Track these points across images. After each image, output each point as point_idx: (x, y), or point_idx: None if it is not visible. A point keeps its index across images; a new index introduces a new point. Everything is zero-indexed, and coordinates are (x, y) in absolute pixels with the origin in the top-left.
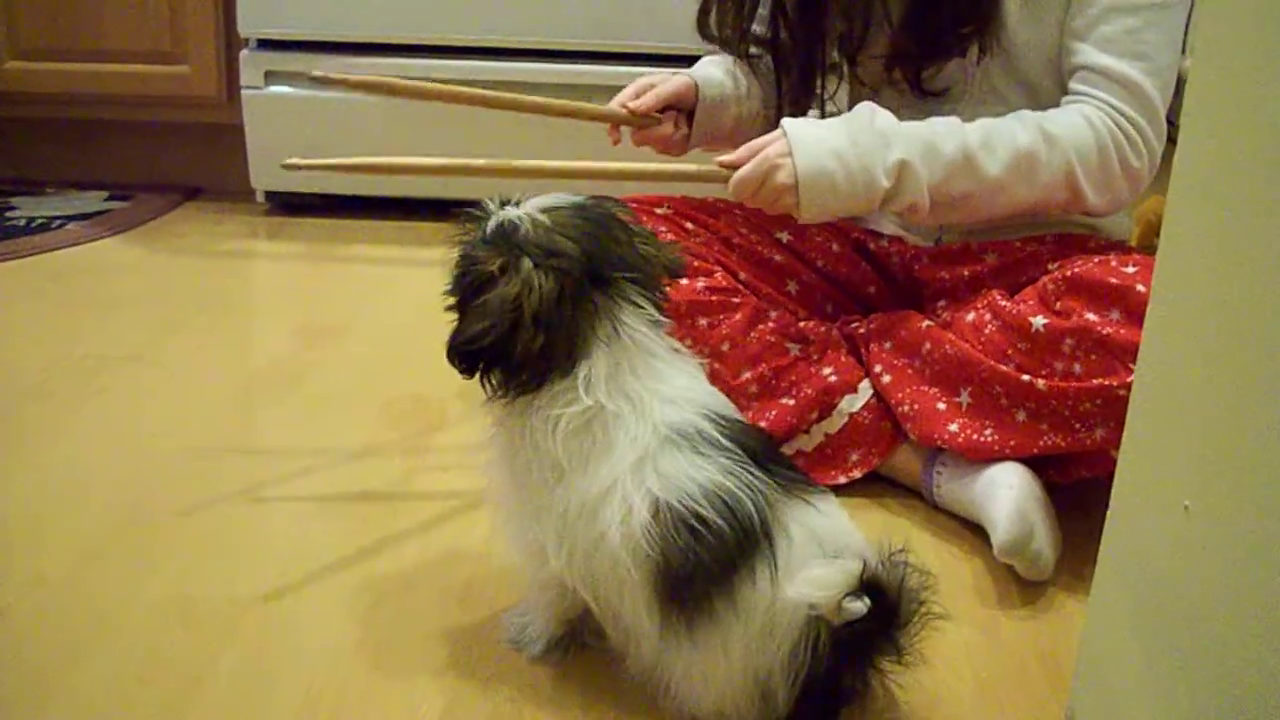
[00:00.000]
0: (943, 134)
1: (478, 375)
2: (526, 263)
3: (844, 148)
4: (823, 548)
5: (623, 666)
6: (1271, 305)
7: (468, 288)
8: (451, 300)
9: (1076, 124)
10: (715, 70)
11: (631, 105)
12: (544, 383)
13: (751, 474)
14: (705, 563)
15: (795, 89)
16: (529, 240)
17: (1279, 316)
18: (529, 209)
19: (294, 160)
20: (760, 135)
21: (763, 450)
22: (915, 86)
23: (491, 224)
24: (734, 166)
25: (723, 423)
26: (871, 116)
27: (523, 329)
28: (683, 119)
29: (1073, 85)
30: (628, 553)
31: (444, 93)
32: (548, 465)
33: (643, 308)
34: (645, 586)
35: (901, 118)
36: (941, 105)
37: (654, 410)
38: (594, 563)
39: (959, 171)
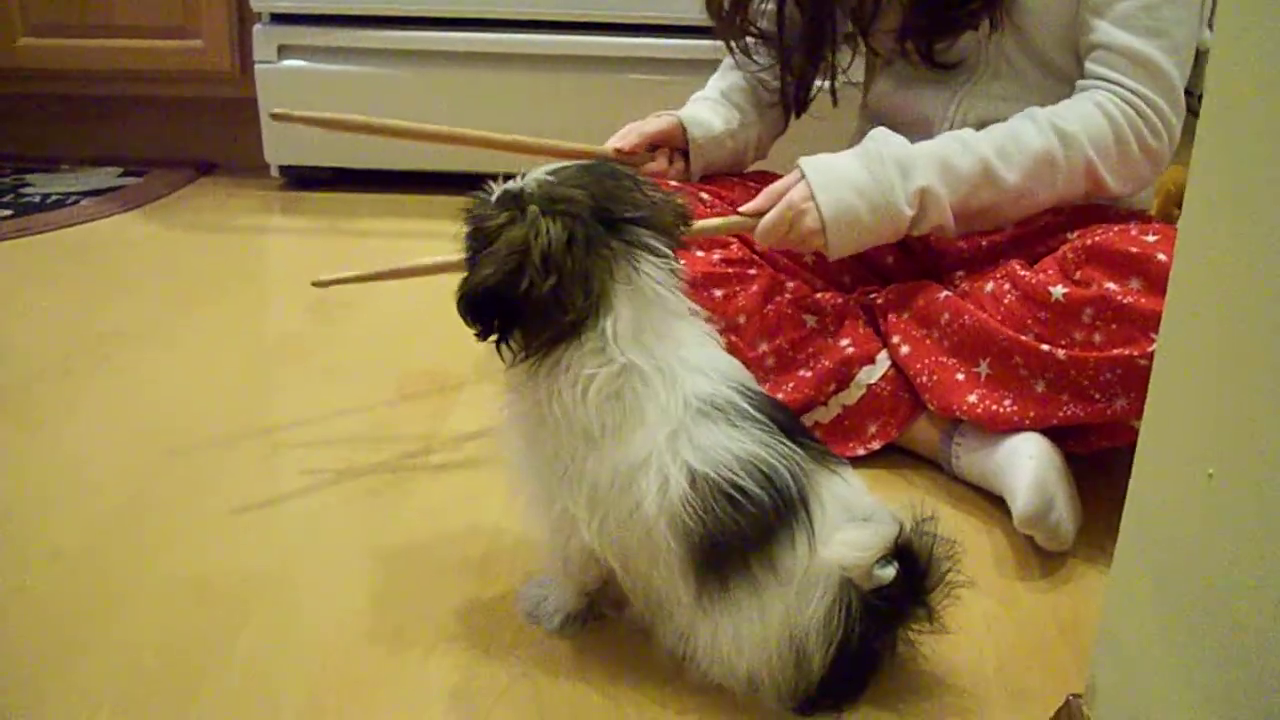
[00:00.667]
0: (957, 151)
1: (495, 340)
2: (533, 209)
3: (864, 183)
4: (852, 516)
5: (645, 636)
6: None
7: (476, 243)
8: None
9: (1090, 115)
10: (703, 110)
11: (618, 146)
12: (567, 337)
13: (785, 444)
14: (745, 531)
15: (801, 65)
16: (534, 194)
17: None
18: (533, 174)
19: (281, 110)
20: (763, 140)
21: (788, 422)
22: (928, 59)
23: (498, 191)
24: (758, 213)
25: (750, 394)
26: (886, 145)
27: (532, 271)
28: (676, 155)
29: (1089, 65)
30: (666, 523)
31: (414, 131)
32: (578, 432)
33: (660, 254)
34: (683, 556)
35: (916, 89)
36: (955, 77)
37: (683, 379)
38: (627, 533)
39: (979, 186)
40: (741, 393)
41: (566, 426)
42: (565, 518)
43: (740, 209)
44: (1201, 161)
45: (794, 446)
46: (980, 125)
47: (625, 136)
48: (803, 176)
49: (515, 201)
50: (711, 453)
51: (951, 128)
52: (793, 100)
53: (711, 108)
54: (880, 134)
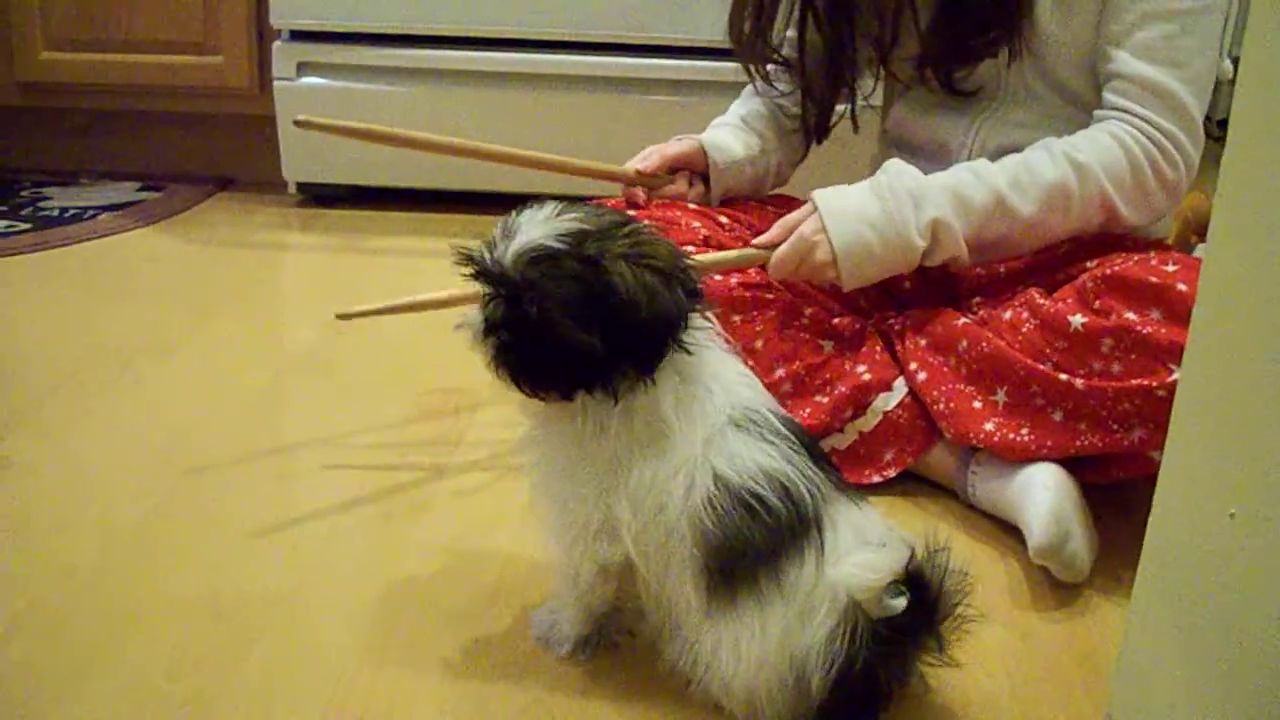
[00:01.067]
0: (970, 182)
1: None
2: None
3: (875, 215)
4: (864, 543)
5: (655, 662)
6: None
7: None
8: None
9: (1106, 146)
10: (724, 135)
11: (639, 167)
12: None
13: (810, 465)
14: (757, 542)
15: (822, 91)
16: (593, 246)
17: None
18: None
19: (305, 117)
20: (784, 167)
21: (812, 445)
22: (947, 86)
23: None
24: (771, 245)
25: (779, 414)
26: (898, 177)
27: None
28: (696, 178)
29: (1107, 95)
30: (687, 524)
31: (435, 144)
32: (637, 435)
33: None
34: (696, 559)
35: (936, 116)
36: (974, 104)
37: (730, 390)
38: (650, 533)
39: (993, 217)
40: (773, 410)
41: (628, 433)
42: (602, 525)
43: (753, 241)
44: (1227, 195)
45: (817, 470)
46: (999, 152)
47: (647, 158)
48: (815, 209)
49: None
50: (739, 461)
51: (970, 154)
52: (814, 127)
53: (733, 133)
54: (893, 165)
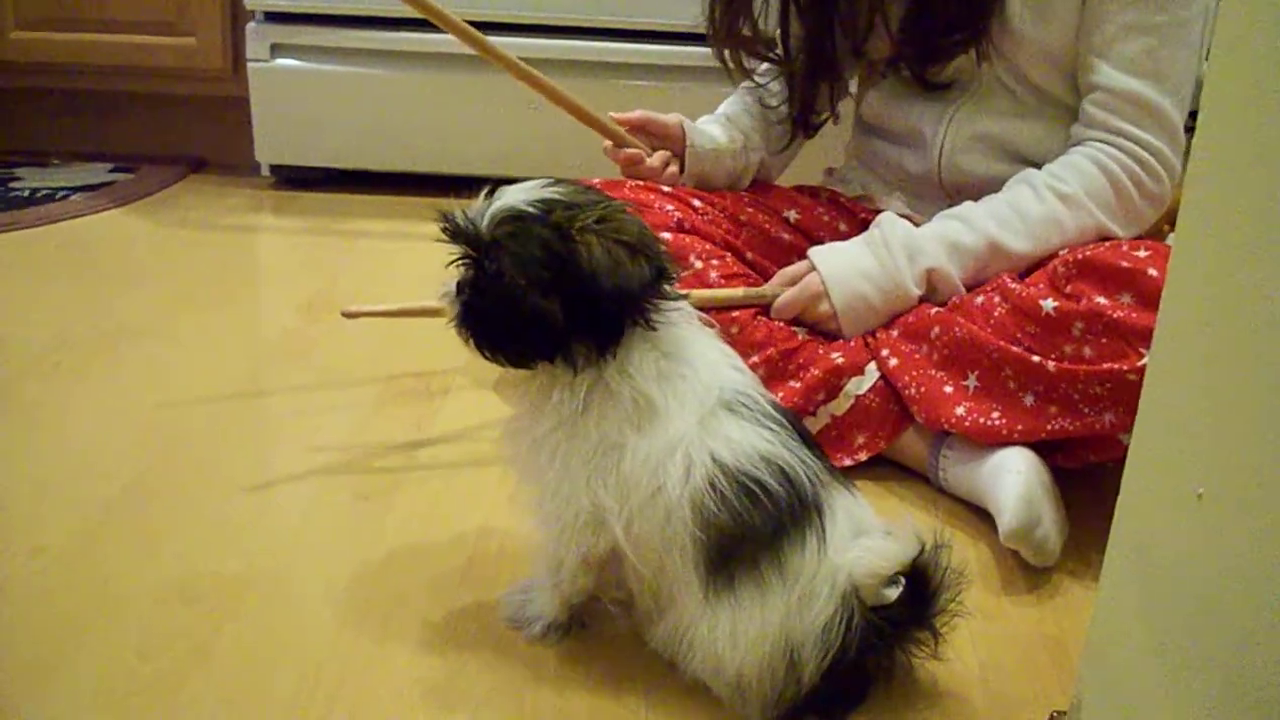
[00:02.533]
0: (960, 230)
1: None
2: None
3: (872, 269)
4: (860, 531)
5: (629, 646)
6: None
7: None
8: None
9: (1089, 173)
10: (712, 125)
11: (619, 117)
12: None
13: (806, 450)
14: (759, 527)
15: (804, 81)
16: (560, 215)
17: None
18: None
19: (352, 309)
20: (766, 166)
21: (803, 431)
22: (921, 80)
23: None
24: (774, 293)
25: (769, 398)
26: (891, 231)
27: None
28: (674, 159)
29: (1088, 107)
30: (688, 509)
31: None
32: (629, 414)
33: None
34: (697, 543)
35: (910, 104)
36: (948, 94)
37: (716, 370)
38: (645, 517)
39: (988, 260)
40: (763, 394)
41: (620, 409)
42: (591, 514)
43: (756, 289)
44: (1195, 180)
45: (812, 455)
46: (973, 139)
47: (632, 113)
48: (813, 268)
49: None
50: (738, 445)
51: (945, 141)
52: (798, 120)
53: (720, 125)
54: (886, 219)
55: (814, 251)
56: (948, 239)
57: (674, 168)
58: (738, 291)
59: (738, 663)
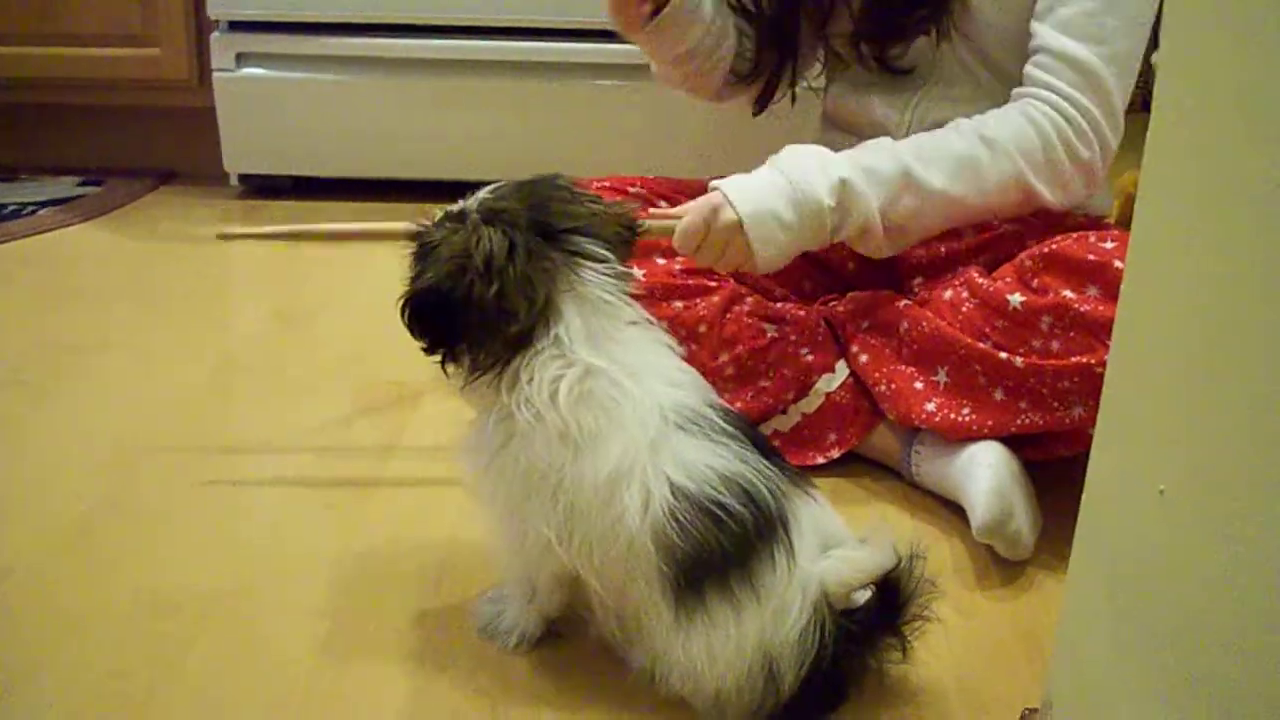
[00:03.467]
0: (874, 153)
1: (440, 357)
2: (474, 218)
3: (780, 183)
4: (825, 538)
5: (602, 656)
6: (1246, 286)
7: (420, 256)
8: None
9: (1017, 124)
10: None
11: None
12: (518, 348)
13: (763, 463)
14: (726, 548)
15: (769, 56)
16: (474, 209)
17: (1253, 298)
18: (476, 195)
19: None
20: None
21: (758, 439)
22: (883, 63)
23: (440, 213)
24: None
25: (719, 408)
26: (796, 151)
27: (474, 276)
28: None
29: (1028, 69)
30: (649, 538)
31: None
32: (554, 441)
33: (603, 263)
34: (663, 570)
35: (873, 95)
36: (910, 82)
37: (654, 386)
38: (607, 546)
39: (900, 189)
40: (712, 406)
41: (542, 437)
42: (534, 543)
43: (653, 210)
44: (1151, 169)
45: (771, 466)
46: (938, 125)
47: None
48: (716, 188)
49: (459, 218)
50: (694, 468)
51: (908, 132)
52: (758, 94)
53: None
54: (790, 146)
55: (716, 181)
56: (861, 162)
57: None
58: (649, 223)
59: (716, 679)
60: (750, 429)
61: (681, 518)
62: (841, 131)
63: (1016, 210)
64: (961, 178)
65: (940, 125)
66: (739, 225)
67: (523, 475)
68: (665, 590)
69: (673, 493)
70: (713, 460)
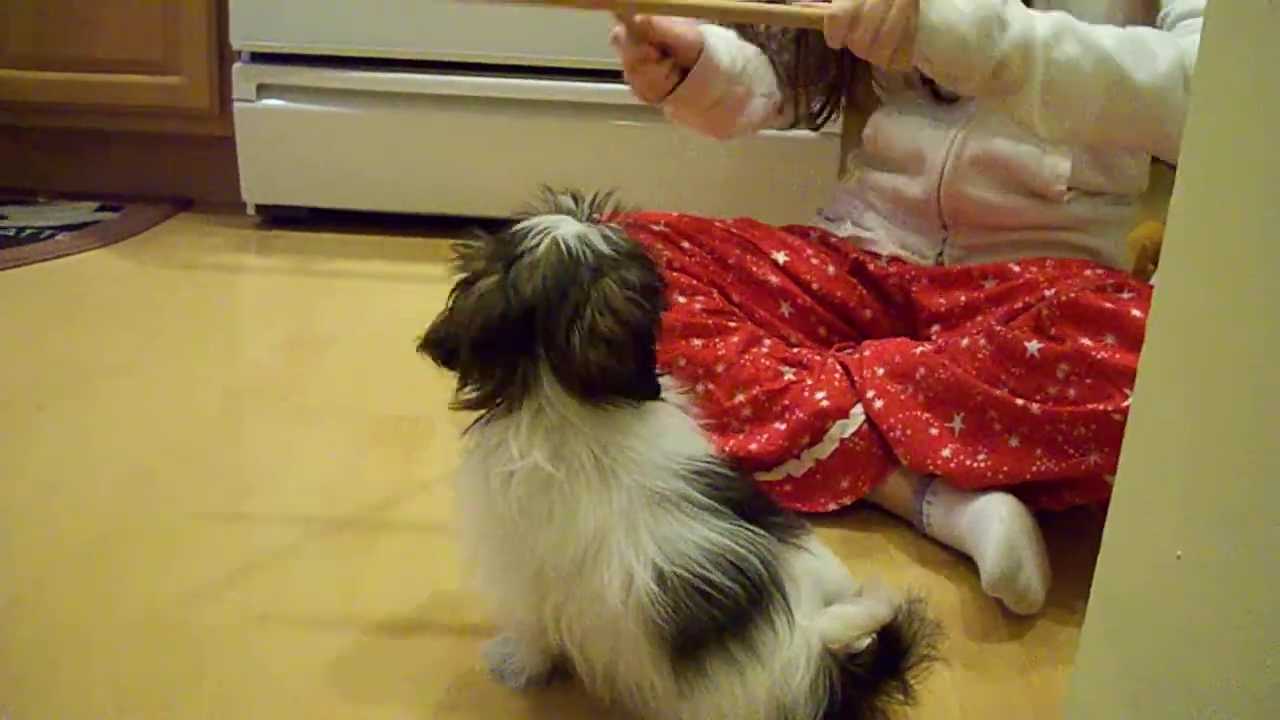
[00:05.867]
0: (1038, 13)
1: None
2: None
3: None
4: (825, 589)
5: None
6: (1262, 352)
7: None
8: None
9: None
10: (720, 43)
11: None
12: (488, 407)
13: (747, 529)
14: (721, 622)
15: (809, 72)
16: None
17: (1269, 364)
18: (564, 231)
19: None
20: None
21: (745, 500)
22: (929, 84)
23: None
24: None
25: (699, 479)
26: None
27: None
28: (674, 70)
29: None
30: (634, 621)
31: None
32: (511, 516)
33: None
34: (654, 649)
35: (917, 124)
36: (957, 110)
37: (625, 474)
38: (588, 620)
39: (1065, 30)
40: (690, 480)
41: (506, 508)
42: (512, 597)
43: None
44: (1178, 223)
45: (756, 530)
46: (977, 161)
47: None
48: None
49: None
50: (676, 545)
51: (946, 165)
52: (803, 111)
53: (728, 47)
54: None
55: None
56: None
57: (674, 78)
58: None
59: None
60: (733, 489)
61: (668, 600)
62: (875, 167)
63: (1167, 129)
64: (1127, 49)
65: (982, 159)
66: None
67: (489, 537)
68: (659, 664)
69: (656, 576)
70: (693, 536)
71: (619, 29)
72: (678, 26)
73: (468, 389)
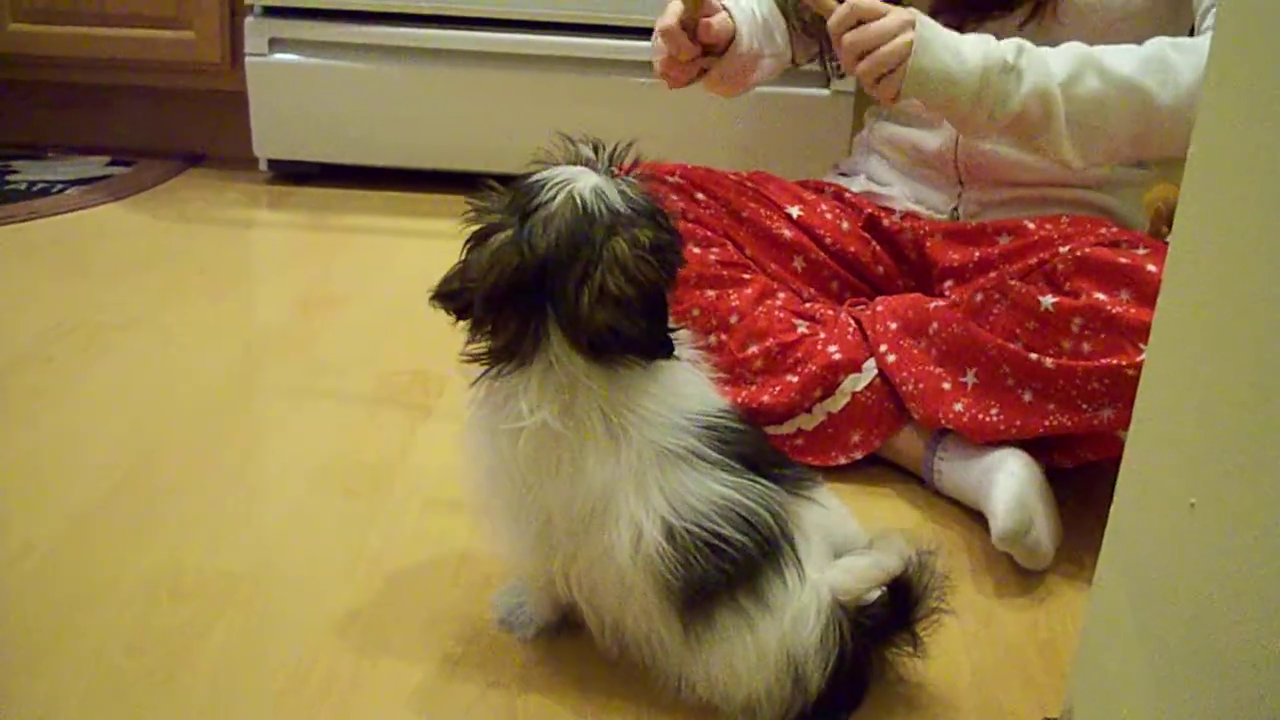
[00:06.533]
0: (1053, 50)
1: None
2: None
3: (968, 35)
4: (833, 542)
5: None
6: (1276, 306)
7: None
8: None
9: (1204, 39)
10: (743, 25)
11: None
12: (499, 362)
13: (757, 483)
14: (731, 575)
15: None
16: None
17: None
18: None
19: None
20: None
21: (756, 453)
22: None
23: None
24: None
25: (710, 434)
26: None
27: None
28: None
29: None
30: (643, 576)
31: None
32: (519, 470)
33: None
34: (662, 602)
35: None
36: None
37: (634, 431)
38: (596, 575)
39: (1084, 66)
40: (700, 436)
41: (514, 461)
42: (520, 548)
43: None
44: (1193, 181)
45: (766, 483)
46: None
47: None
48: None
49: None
50: (686, 501)
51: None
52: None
53: (751, 23)
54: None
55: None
56: (1039, 45)
57: (702, 64)
58: None
59: (743, 689)
60: (743, 444)
61: (677, 555)
62: (892, 121)
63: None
64: (1149, 71)
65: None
66: (912, 23)
67: (497, 488)
68: (669, 617)
69: (666, 531)
70: (703, 491)
71: (671, 21)
72: (716, 23)
73: (479, 341)
